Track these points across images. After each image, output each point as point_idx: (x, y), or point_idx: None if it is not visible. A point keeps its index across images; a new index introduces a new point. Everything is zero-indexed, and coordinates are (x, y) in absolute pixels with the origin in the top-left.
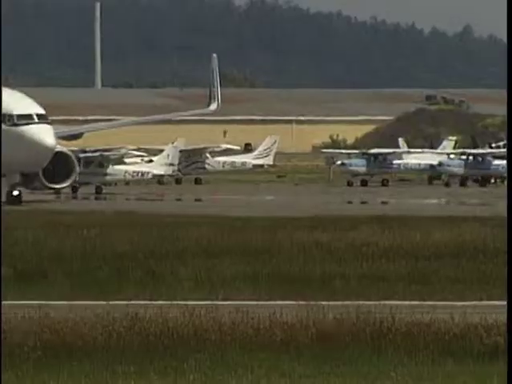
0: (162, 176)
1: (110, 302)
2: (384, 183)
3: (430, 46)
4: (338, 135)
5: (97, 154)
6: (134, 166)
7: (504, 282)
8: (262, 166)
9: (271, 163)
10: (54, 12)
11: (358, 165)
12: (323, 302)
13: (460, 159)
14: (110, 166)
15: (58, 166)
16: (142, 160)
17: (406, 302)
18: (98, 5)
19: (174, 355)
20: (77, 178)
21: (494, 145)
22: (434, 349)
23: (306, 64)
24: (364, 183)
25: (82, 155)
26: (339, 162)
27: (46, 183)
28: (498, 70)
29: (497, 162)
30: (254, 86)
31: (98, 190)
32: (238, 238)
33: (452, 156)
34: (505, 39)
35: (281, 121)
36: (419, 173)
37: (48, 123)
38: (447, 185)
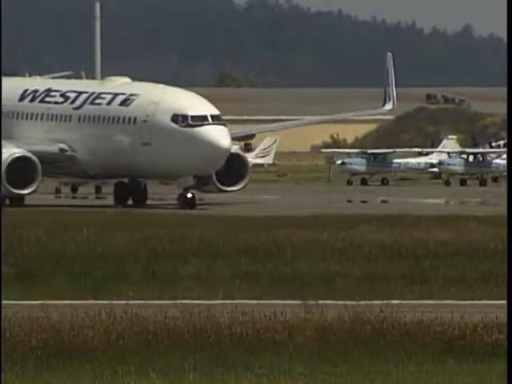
0: None
1: (110, 302)
2: (384, 182)
3: (429, 46)
4: (338, 134)
5: None
6: None
7: (504, 282)
8: (262, 165)
9: (271, 162)
10: (54, 12)
11: (358, 164)
12: (323, 302)
13: (460, 158)
14: None
15: (231, 168)
16: None
17: (406, 302)
18: (97, 5)
19: (174, 355)
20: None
21: (494, 144)
22: (433, 348)
23: (306, 64)
24: (364, 182)
25: None
26: (339, 161)
27: (220, 186)
28: (498, 69)
29: (497, 161)
30: (254, 86)
31: (98, 190)
32: (238, 238)
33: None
34: (505, 39)
35: (281, 121)
36: (419, 172)
37: (223, 124)
38: (447, 184)
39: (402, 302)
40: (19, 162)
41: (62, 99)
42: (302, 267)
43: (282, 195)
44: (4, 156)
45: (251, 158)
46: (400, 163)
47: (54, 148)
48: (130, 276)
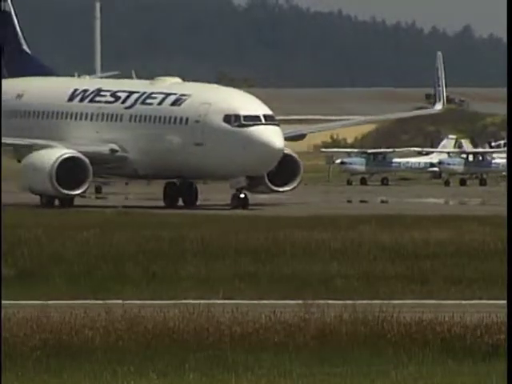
0: None
1: (110, 302)
2: (384, 182)
3: (430, 46)
4: (337, 134)
5: None
6: None
7: (504, 282)
8: None
9: None
10: (54, 12)
11: (358, 163)
12: (323, 302)
13: (460, 158)
14: None
15: (283, 168)
16: None
17: (406, 302)
18: (97, 5)
19: (174, 355)
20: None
21: (494, 144)
22: (433, 348)
23: (306, 64)
24: (364, 182)
25: None
26: (339, 161)
27: (272, 187)
28: (498, 69)
29: (497, 160)
30: (253, 86)
31: (98, 190)
32: (238, 238)
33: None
34: (504, 39)
35: (280, 120)
36: (419, 172)
37: (276, 124)
38: (447, 184)
39: (402, 302)
40: (69, 163)
41: (112, 99)
42: (302, 267)
43: (281, 195)
44: (54, 156)
45: None
46: (400, 163)
47: (104, 148)
48: (129, 276)
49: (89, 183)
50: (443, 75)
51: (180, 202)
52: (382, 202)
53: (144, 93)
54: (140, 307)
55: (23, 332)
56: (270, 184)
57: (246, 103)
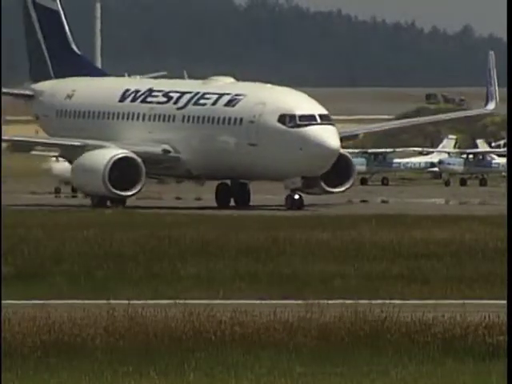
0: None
1: (110, 302)
2: (384, 182)
3: (429, 46)
4: None
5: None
6: None
7: (504, 281)
8: None
9: None
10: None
11: (358, 163)
12: (323, 302)
13: (460, 157)
14: None
15: (336, 168)
16: None
17: (406, 302)
18: (98, 5)
19: (174, 355)
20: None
21: (493, 144)
22: (434, 348)
23: (305, 63)
24: (364, 182)
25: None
26: None
27: (326, 187)
28: (498, 69)
29: (497, 160)
30: None
31: None
32: (238, 238)
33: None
34: (504, 39)
35: None
36: (419, 172)
37: (331, 124)
38: (447, 184)
39: (402, 301)
40: (123, 163)
41: (164, 99)
42: (302, 267)
43: (281, 195)
44: (107, 157)
45: None
46: (400, 163)
47: (157, 149)
48: (129, 276)
49: (142, 184)
50: (495, 74)
51: (231, 203)
52: (383, 201)
53: (197, 93)
54: (140, 307)
55: (23, 332)
56: (323, 184)
57: (301, 103)
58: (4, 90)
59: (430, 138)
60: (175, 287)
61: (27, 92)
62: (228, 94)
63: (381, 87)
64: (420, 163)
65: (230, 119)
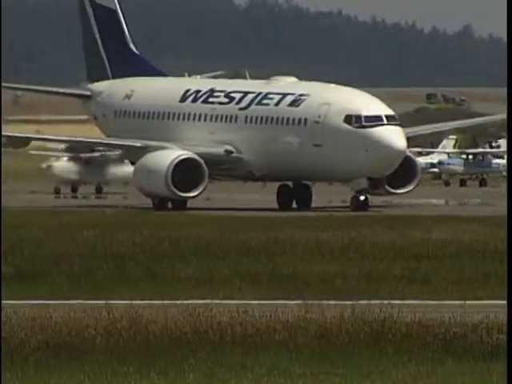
0: None
1: (110, 302)
2: None
3: (429, 46)
4: None
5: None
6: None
7: (504, 281)
8: None
9: None
10: (54, 12)
11: None
12: (323, 302)
13: (460, 158)
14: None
15: (400, 169)
16: None
17: (406, 302)
18: None
19: (174, 355)
20: (418, 183)
21: (494, 144)
22: (434, 348)
23: (305, 63)
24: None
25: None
26: None
27: (390, 189)
28: (498, 69)
29: (497, 160)
30: None
31: (98, 190)
32: (238, 238)
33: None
34: (504, 39)
35: None
36: (420, 172)
37: (398, 125)
38: (447, 184)
39: (402, 302)
40: (185, 164)
41: (226, 99)
42: (302, 267)
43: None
44: (170, 158)
45: None
46: None
47: (219, 150)
48: (129, 276)
49: (205, 185)
50: None
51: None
52: (383, 202)
53: (260, 93)
54: (140, 307)
55: (23, 332)
56: (387, 186)
57: (367, 103)
58: (61, 90)
59: (429, 138)
60: (175, 287)
61: (84, 92)
62: (291, 93)
63: (381, 87)
64: (420, 163)
65: (294, 119)
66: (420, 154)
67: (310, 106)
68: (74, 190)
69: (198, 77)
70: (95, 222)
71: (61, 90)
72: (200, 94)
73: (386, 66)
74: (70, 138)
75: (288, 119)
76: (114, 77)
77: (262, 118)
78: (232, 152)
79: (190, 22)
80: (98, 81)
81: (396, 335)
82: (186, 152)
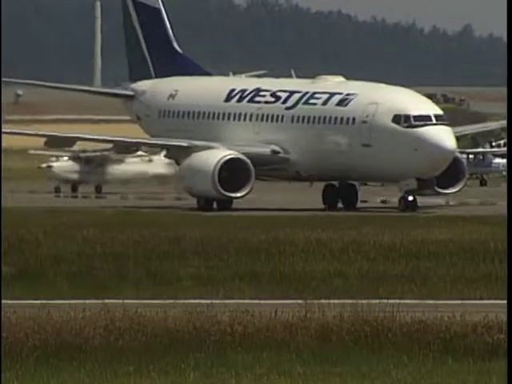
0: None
1: (110, 302)
2: (384, 183)
3: (429, 46)
4: None
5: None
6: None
7: (504, 281)
8: None
9: None
10: (53, 12)
11: None
12: (323, 301)
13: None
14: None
15: (448, 170)
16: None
17: (406, 301)
18: (98, 5)
19: (174, 355)
20: (466, 183)
21: (494, 143)
22: (434, 348)
23: (305, 63)
24: (364, 182)
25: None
26: None
27: (438, 189)
28: (498, 69)
29: (497, 160)
30: None
31: (98, 189)
32: (238, 238)
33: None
34: (505, 39)
35: None
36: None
37: (447, 124)
38: None
39: (402, 301)
40: (232, 164)
41: (272, 99)
42: (302, 267)
43: (282, 195)
44: (216, 158)
45: None
46: None
47: (265, 150)
48: (130, 276)
49: (251, 185)
50: None
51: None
52: (383, 202)
53: (306, 92)
54: (140, 307)
55: (23, 332)
56: (435, 186)
57: (416, 103)
58: (104, 90)
59: None
60: (175, 287)
61: (127, 92)
62: (339, 93)
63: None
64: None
65: (341, 119)
66: None
67: (357, 106)
68: (74, 189)
69: (243, 76)
70: (95, 222)
71: (103, 90)
72: (245, 93)
73: (385, 66)
74: (115, 138)
75: (336, 119)
76: (157, 76)
77: (308, 117)
78: (278, 152)
79: (189, 22)
80: (140, 80)
81: (396, 335)
82: (232, 152)
